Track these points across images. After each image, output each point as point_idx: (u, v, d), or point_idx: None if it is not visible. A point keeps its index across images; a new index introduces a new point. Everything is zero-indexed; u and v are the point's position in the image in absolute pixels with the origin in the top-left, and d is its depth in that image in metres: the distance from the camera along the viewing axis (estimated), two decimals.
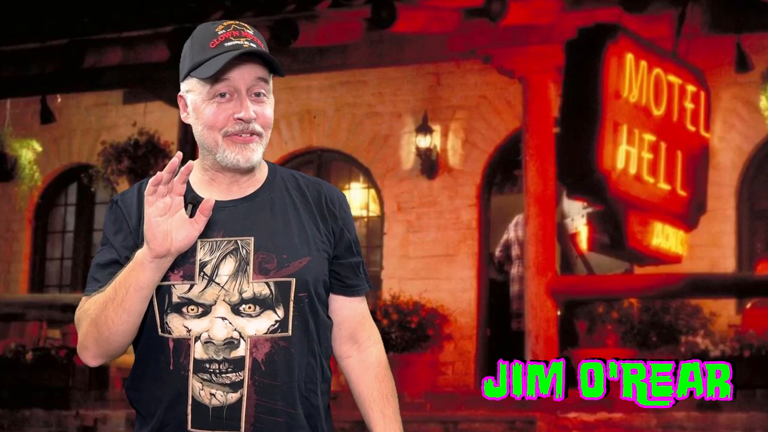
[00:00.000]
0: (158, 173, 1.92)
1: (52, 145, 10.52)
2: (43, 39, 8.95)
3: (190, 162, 1.97)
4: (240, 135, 2.09)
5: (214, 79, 2.06)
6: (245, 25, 2.12)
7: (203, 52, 2.08)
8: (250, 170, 2.14)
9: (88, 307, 2.06)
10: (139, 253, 1.97)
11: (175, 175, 1.94)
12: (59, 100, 10.09)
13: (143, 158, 9.44)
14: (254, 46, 2.07)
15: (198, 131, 2.13)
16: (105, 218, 2.20)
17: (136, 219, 2.12)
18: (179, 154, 1.91)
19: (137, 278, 1.96)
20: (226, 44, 2.06)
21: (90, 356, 2.07)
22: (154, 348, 2.09)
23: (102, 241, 2.17)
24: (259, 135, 2.11)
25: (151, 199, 1.92)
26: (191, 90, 2.12)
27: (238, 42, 2.06)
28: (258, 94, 2.10)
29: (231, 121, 2.08)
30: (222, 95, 2.08)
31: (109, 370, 8.43)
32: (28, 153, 10.00)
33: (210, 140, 2.10)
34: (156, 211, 1.92)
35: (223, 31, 2.09)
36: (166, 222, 1.93)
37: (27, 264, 10.83)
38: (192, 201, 2.08)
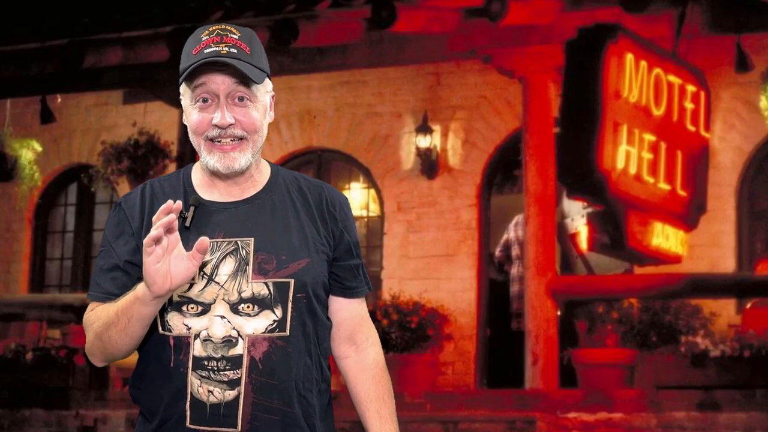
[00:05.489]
0: (152, 233, 1.90)
1: (52, 145, 10.52)
2: (43, 39, 8.94)
3: (178, 202, 1.96)
4: (219, 141, 2.11)
5: (194, 85, 2.09)
6: (232, 29, 2.13)
7: (187, 59, 2.11)
8: (238, 174, 2.15)
9: (93, 321, 2.11)
10: (140, 291, 1.98)
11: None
12: (59, 100, 10.09)
13: (143, 158, 9.42)
14: (234, 51, 2.07)
15: (189, 135, 2.16)
16: (108, 220, 2.22)
17: (138, 221, 2.16)
18: (170, 203, 1.91)
19: (139, 311, 2.00)
20: (205, 51, 2.08)
21: (97, 360, 2.16)
22: (155, 346, 2.12)
23: (103, 243, 2.20)
24: (242, 139, 2.12)
25: (150, 250, 1.92)
26: (183, 94, 2.16)
27: (217, 48, 2.07)
28: (241, 98, 2.11)
29: (210, 127, 2.10)
30: (204, 100, 2.11)
31: (109, 370, 8.42)
32: (28, 153, 9.98)
33: (196, 144, 2.15)
34: (154, 258, 1.92)
35: (207, 36, 2.10)
36: (164, 264, 1.94)
37: (27, 264, 10.84)
38: (194, 203, 2.11)
